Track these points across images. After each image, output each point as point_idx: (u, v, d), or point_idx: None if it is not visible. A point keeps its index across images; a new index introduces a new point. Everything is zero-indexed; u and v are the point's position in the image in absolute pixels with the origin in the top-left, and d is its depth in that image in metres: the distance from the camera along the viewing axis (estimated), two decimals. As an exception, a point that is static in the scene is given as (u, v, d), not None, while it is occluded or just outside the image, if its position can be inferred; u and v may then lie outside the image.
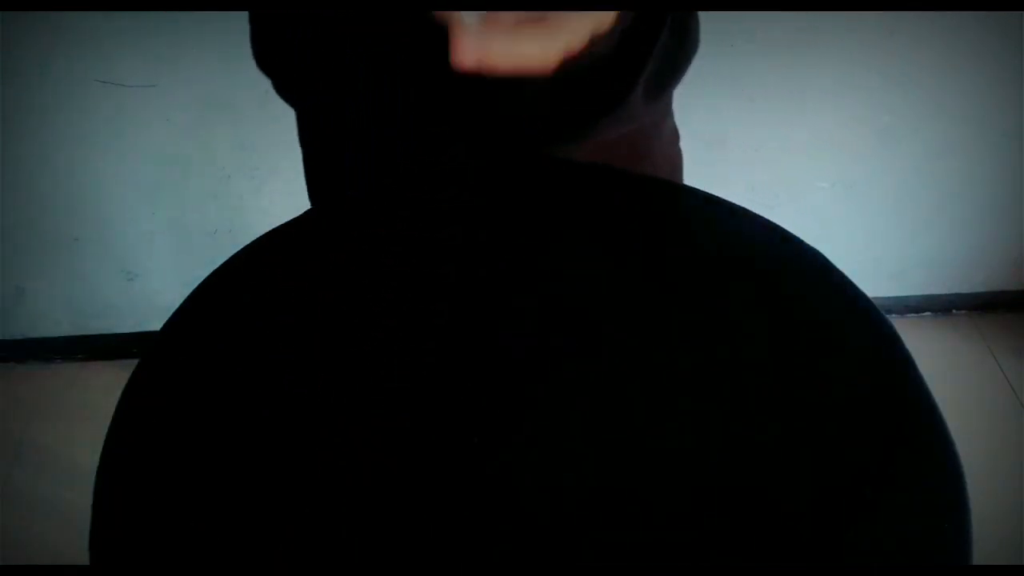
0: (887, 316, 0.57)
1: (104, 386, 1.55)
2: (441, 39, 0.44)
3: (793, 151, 1.41)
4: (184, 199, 1.40)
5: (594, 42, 0.48)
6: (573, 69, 0.48)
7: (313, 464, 0.50)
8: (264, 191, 1.39)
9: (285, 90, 0.67)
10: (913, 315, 1.70)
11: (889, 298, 1.66)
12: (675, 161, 0.82)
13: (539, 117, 0.53)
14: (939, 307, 1.70)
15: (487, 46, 0.43)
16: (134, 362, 0.56)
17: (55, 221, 1.41)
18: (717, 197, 0.68)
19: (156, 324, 0.59)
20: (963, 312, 1.71)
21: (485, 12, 0.44)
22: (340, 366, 0.55)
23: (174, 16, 1.13)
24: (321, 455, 0.50)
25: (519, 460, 0.51)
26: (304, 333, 0.58)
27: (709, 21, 1.15)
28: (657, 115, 0.68)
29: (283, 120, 1.27)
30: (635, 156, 0.51)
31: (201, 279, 0.62)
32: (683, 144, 0.82)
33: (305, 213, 0.67)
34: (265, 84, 1.34)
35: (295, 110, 0.71)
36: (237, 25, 1.15)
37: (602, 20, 0.45)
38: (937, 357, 1.54)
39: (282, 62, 0.64)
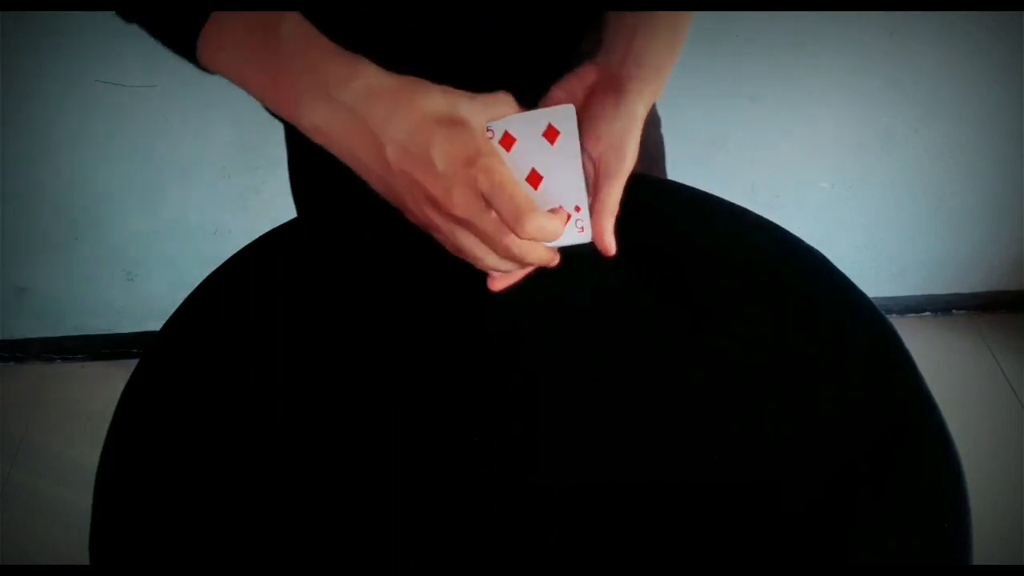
0: (887, 316, 0.57)
1: (104, 386, 1.55)
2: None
3: (793, 151, 1.40)
4: (184, 199, 1.40)
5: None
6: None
7: (313, 464, 0.50)
8: (264, 191, 1.39)
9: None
10: (913, 315, 1.70)
11: (889, 298, 1.66)
12: (659, 146, 0.83)
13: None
14: (939, 307, 1.70)
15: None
16: (134, 362, 0.56)
17: (55, 221, 1.41)
18: (717, 197, 0.68)
19: (156, 324, 0.59)
20: (963, 312, 1.71)
21: None
22: (340, 366, 0.55)
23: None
24: (321, 455, 0.50)
25: (519, 460, 0.51)
26: (304, 333, 0.58)
27: (710, 21, 1.15)
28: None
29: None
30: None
31: (201, 279, 0.62)
32: (684, 144, 0.82)
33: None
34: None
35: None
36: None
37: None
38: (937, 357, 1.54)
39: None
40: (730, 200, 0.68)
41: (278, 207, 1.39)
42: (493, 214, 0.48)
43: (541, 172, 0.51)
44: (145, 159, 1.33)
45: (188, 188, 1.38)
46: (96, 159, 1.32)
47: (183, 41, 0.49)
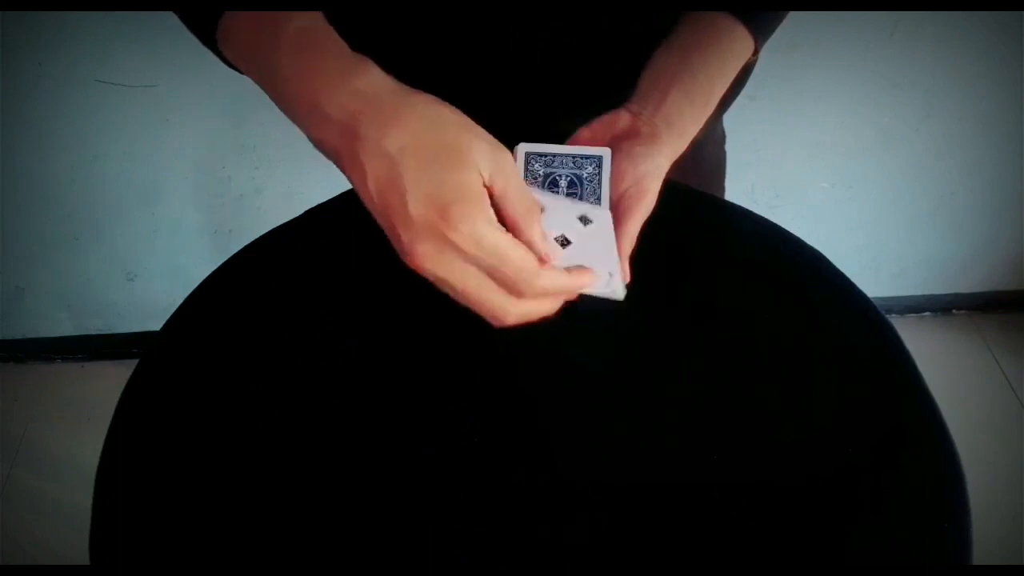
0: (887, 316, 0.57)
1: (104, 386, 1.55)
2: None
3: (793, 151, 1.40)
4: (184, 199, 1.40)
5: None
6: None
7: (313, 464, 0.50)
8: (264, 191, 1.39)
9: None
10: (913, 315, 1.70)
11: (889, 298, 1.66)
12: (719, 161, 0.82)
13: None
14: (939, 307, 1.70)
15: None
16: (134, 362, 0.56)
17: (55, 221, 1.41)
18: (717, 197, 0.68)
19: (156, 324, 0.59)
20: (963, 312, 1.71)
21: None
22: (340, 366, 0.55)
23: (174, 16, 1.12)
24: (321, 455, 0.50)
25: (519, 460, 0.51)
26: (304, 333, 0.58)
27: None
28: (711, 122, 0.67)
29: (283, 120, 1.28)
30: (681, 157, 0.53)
31: (201, 279, 0.62)
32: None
33: (305, 213, 0.67)
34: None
35: None
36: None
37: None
38: (937, 357, 1.54)
39: None
40: (730, 200, 0.68)
41: (278, 207, 1.39)
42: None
43: (571, 238, 0.48)
44: (145, 159, 1.33)
45: (188, 188, 1.38)
46: (96, 159, 1.32)
47: (205, 38, 0.48)
